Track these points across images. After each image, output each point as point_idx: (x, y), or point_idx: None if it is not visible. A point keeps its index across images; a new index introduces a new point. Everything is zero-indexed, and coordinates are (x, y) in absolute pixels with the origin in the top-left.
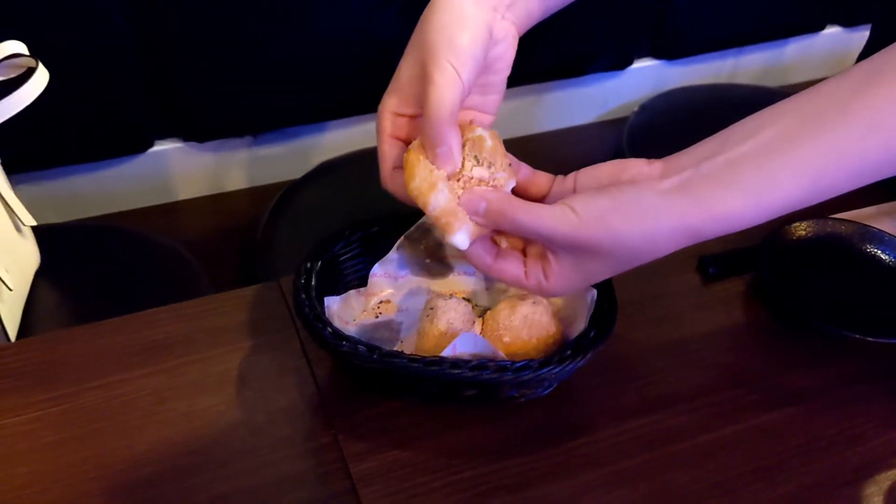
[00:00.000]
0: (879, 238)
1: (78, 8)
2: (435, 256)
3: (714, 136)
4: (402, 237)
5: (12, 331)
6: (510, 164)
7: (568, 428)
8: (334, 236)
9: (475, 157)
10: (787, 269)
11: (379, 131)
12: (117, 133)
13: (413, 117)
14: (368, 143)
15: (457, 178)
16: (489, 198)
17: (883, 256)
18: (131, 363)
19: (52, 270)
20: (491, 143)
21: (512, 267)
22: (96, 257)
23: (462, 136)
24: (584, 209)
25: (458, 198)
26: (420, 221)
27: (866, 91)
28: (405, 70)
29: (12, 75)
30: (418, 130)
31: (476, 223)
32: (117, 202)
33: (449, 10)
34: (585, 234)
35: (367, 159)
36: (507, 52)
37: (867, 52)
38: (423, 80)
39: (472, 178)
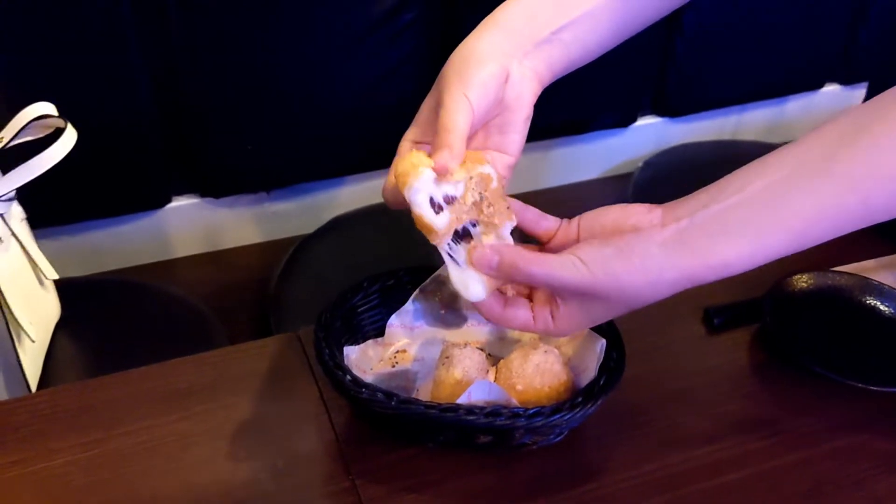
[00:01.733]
0: (879, 290)
1: (102, 72)
2: (450, 308)
3: (710, 185)
4: (418, 289)
5: (33, 381)
6: (508, 207)
7: (579, 473)
8: (353, 288)
9: (479, 193)
10: (790, 320)
11: (396, 154)
12: (137, 190)
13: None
14: (379, 199)
15: (456, 217)
16: (502, 252)
17: (882, 308)
18: (157, 410)
19: (72, 323)
20: (496, 184)
21: (521, 313)
22: (114, 310)
23: (471, 163)
24: (592, 261)
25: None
26: (435, 274)
27: (847, 147)
28: (425, 106)
29: (41, 135)
30: None
31: (489, 276)
32: (136, 256)
33: (465, 55)
34: (594, 284)
35: (378, 214)
36: (524, 94)
37: None
38: (438, 108)
39: (469, 210)
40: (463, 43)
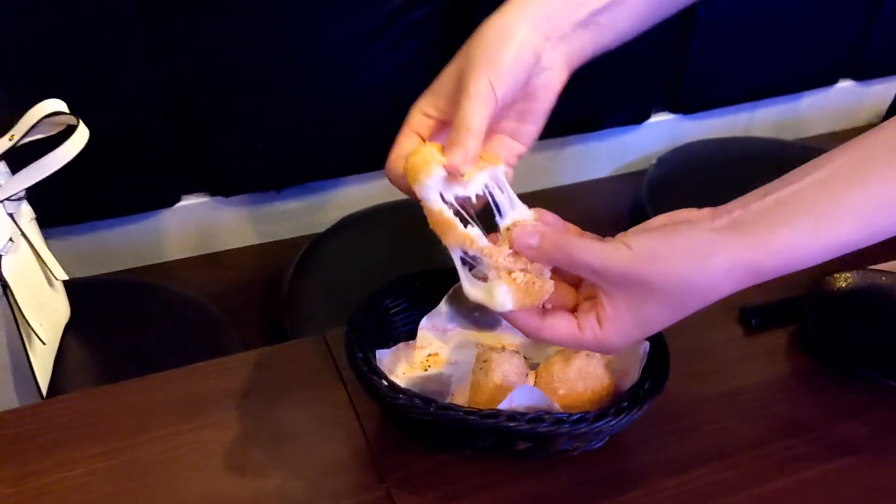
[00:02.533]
0: None
1: (110, 71)
2: (483, 309)
3: (758, 188)
4: (451, 291)
5: (44, 384)
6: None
7: (621, 480)
8: (384, 290)
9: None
10: (831, 320)
11: (403, 123)
12: (146, 188)
13: (438, 121)
14: (390, 198)
15: (494, 261)
16: (542, 231)
17: None
18: (179, 417)
19: (81, 324)
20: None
21: (563, 322)
22: (124, 311)
23: (483, 161)
24: (637, 244)
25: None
26: None
27: None
28: (444, 76)
29: (52, 133)
30: (438, 135)
31: (516, 283)
32: (145, 256)
33: (499, 30)
34: (638, 268)
35: (389, 213)
36: (553, 83)
37: None
38: (460, 89)
39: (506, 258)
40: (495, 14)
